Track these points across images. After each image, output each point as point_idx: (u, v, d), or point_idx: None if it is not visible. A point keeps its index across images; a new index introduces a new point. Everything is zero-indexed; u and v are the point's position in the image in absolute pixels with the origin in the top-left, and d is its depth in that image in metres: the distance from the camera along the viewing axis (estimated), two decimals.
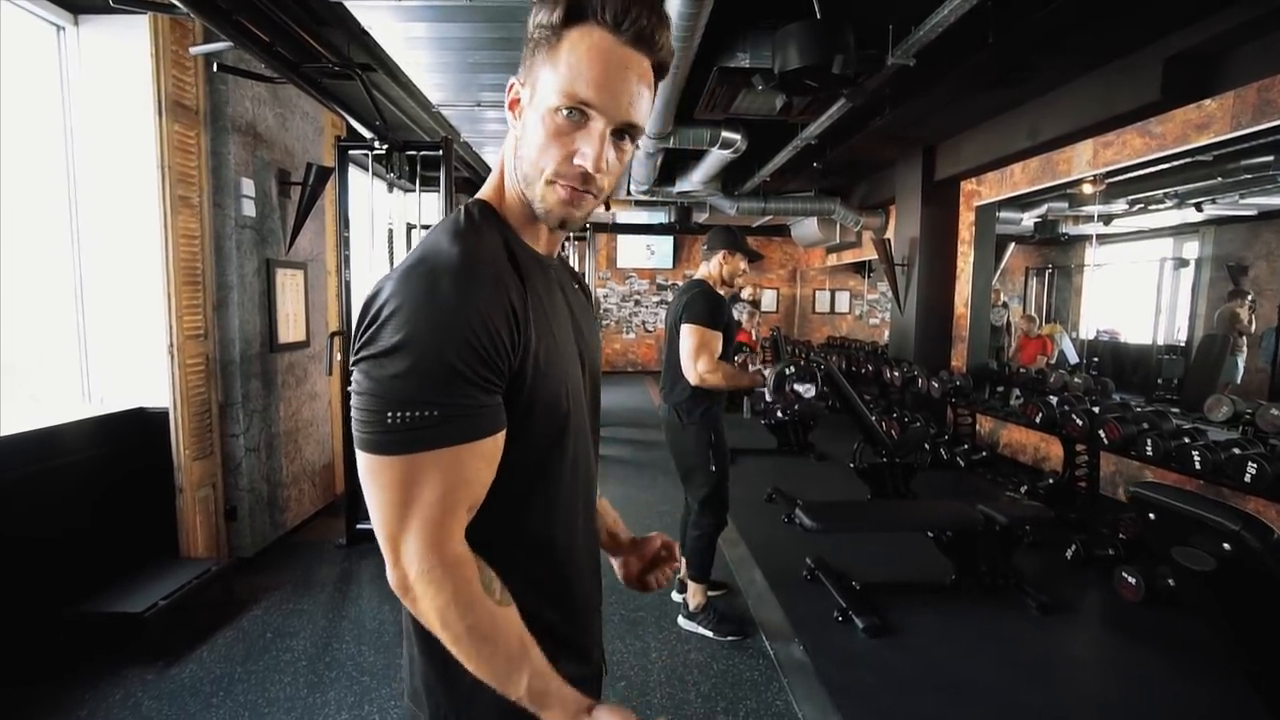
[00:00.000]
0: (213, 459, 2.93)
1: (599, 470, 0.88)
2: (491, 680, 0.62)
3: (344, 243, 3.33)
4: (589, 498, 0.82)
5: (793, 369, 2.31)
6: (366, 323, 0.61)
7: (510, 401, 0.65)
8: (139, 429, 2.73)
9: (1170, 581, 2.58)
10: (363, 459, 0.61)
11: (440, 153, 3.38)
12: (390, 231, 3.33)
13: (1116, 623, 2.66)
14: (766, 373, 2.36)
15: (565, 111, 0.64)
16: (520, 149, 0.68)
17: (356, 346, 0.61)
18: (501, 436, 0.64)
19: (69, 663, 2.25)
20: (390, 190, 4.91)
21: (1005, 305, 7.93)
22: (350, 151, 3.36)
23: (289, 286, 3.37)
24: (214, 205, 2.89)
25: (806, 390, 2.29)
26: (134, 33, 2.59)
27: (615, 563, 0.97)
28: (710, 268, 2.59)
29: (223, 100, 2.88)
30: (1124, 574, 2.68)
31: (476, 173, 5.47)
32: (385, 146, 3.27)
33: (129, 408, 2.74)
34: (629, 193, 6.40)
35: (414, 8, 2.60)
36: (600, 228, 10.05)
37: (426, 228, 4.55)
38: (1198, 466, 2.67)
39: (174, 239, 2.66)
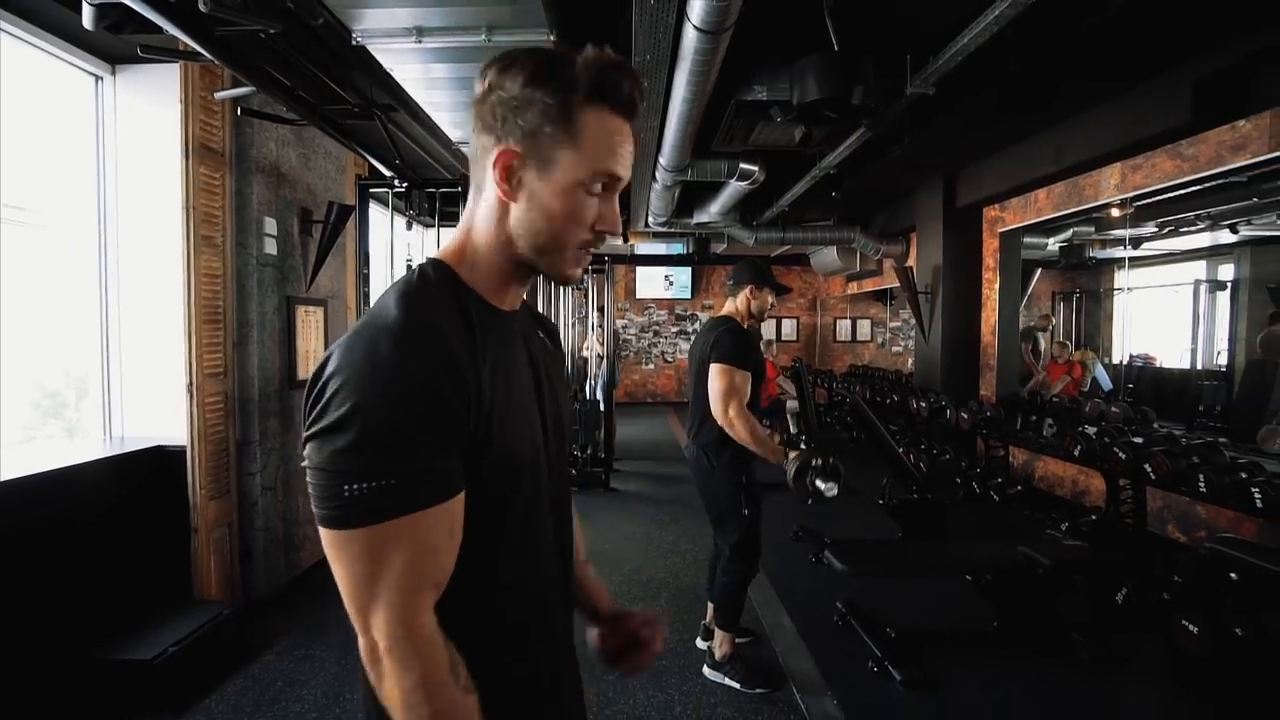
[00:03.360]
0: (229, 498, 2.90)
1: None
2: None
3: (364, 279, 3.35)
4: (561, 565, 0.79)
5: (819, 462, 2.16)
6: (314, 396, 0.60)
7: (467, 464, 0.63)
8: (157, 468, 2.72)
9: (1239, 631, 2.38)
10: (326, 536, 0.59)
11: (459, 190, 3.41)
12: (409, 267, 3.34)
13: (1179, 677, 2.46)
14: (790, 456, 2.23)
15: (599, 187, 0.68)
16: (530, 221, 0.69)
17: (307, 421, 0.60)
18: (461, 500, 0.63)
19: (80, 712, 2.19)
20: (410, 227, 4.97)
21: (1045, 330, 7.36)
22: (371, 190, 3.40)
23: (309, 323, 3.38)
24: (236, 244, 2.93)
25: (829, 489, 2.13)
26: (166, 80, 2.66)
27: (591, 633, 0.92)
28: (736, 303, 2.50)
29: (248, 142, 2.94)
30: (1185, 623, 2.48)
31: None
32: (405, 185, 3.30)
33: (148, 446, 2.73)
34: (647, 224, 6.41)
35: (434, 49, 2.64)
36: (619, 259, 10.10)
37: None
38: (1259, 505, 2.50)
39: (196, 278, 2.69)
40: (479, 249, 0.71)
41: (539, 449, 0.74)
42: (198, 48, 1.84)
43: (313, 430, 0.59)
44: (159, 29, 1.89)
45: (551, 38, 2.65)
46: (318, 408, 0.59)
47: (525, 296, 0.83)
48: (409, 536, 0.58)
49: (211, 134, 2.76)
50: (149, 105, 2.75)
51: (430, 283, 0.68)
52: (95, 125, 2.75)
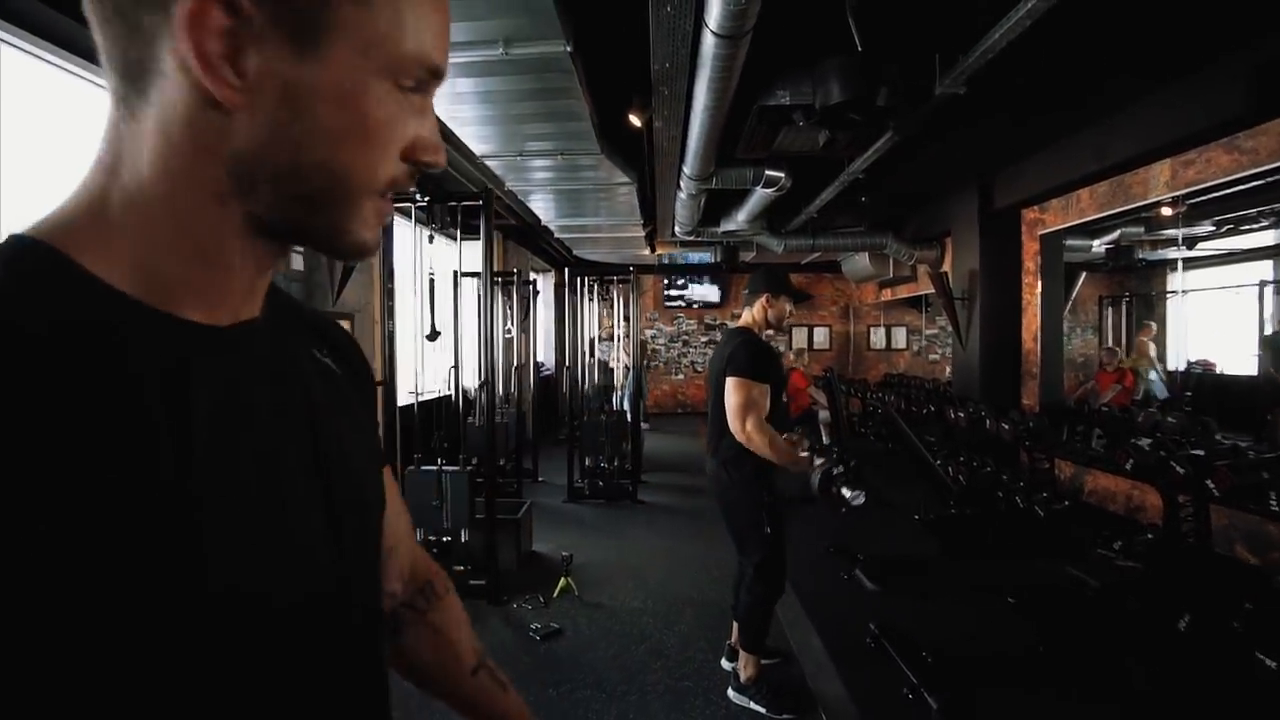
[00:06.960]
0: None
1: None
2: None
3: (388, 293, 3.38)
4: None
5: (841, 469, 2.09)
6: None
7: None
8: None
9: None
10: None
11: (481, 203, 3.43)
12: (432, 281, 3.37)
13: (1254, 715, 2.26)
14: (816, 464, 2.15)
15: (410, 85, 0.38)
16: (289, 141, 0.36)
17: None
18: None
19: None
20: (432, 240, 5.06)
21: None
22: (395, 204, 3.46)
23: None
24: None
25: (855, 498, 2.05)
26: None
27: None
28: (753, 313, 2.44)
29: None
30: (1262, 658, 2.27)
31: (521, 219, 5.58)
32: (427, 199, 3.34)
33: None
34: (673, 234, 6.37)
35: (454, 64, 2.67)
36: (646, 269, 10.09)
37: (470, 275, 4.62)
38: None
39: None
40: (138, 202, 0.35)
41: (309, 591, 0.40)
42: None
43: None
44: None
45: (568, 48, 2.66)
46: None
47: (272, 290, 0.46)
48: None
49: None
50: None
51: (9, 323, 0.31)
52: None
